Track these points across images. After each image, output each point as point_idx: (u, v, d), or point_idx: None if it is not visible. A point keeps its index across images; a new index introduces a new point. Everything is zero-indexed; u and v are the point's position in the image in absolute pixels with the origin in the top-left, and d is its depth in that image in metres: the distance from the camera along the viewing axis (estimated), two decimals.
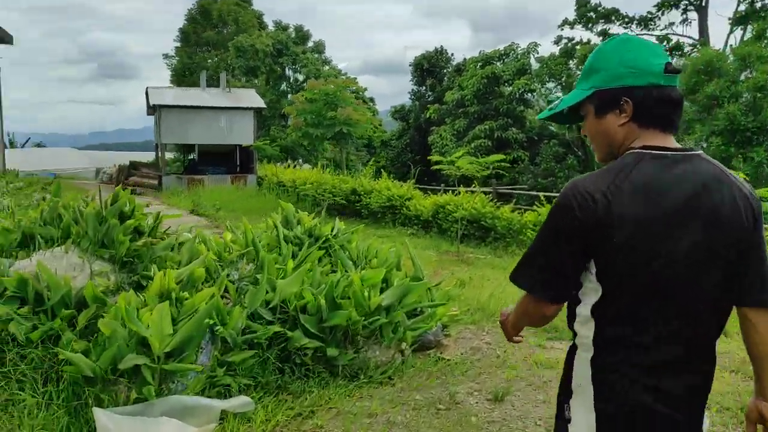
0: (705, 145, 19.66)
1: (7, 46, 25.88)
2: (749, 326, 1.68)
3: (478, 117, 30.13)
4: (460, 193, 13.84)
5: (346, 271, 5.36)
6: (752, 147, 18.92)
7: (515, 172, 26.92)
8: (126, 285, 4.55)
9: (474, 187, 13.98)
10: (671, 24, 31.71)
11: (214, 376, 4.09)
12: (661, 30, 30.53)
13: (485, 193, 14.98)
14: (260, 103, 27.99)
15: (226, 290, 4.68)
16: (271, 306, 4.65)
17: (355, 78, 30.00)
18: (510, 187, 23.15)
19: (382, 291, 5.09)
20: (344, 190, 17.72)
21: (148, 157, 34.86)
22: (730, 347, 5.74)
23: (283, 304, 4.65)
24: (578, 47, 28.90)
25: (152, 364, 3.82)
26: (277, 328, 4.52)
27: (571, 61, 28.53)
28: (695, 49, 26.26)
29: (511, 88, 30.17)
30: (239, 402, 3.84)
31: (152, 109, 27.96)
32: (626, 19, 30.47)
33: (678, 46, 29.04)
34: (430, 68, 36.47)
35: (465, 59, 34.57)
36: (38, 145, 60.38)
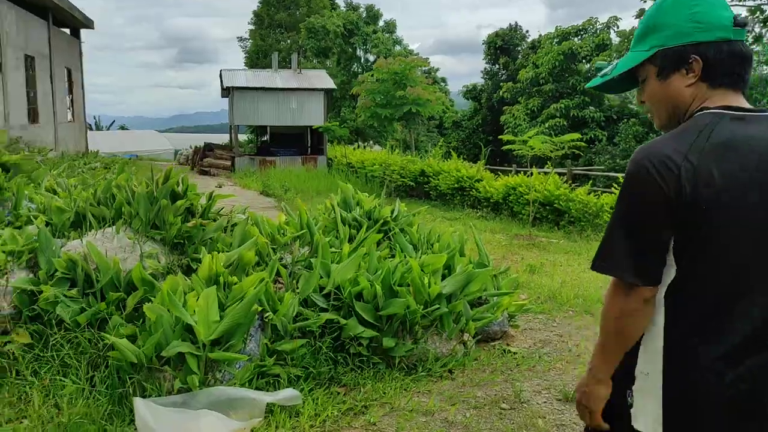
0: None
1: (88, 31, 26.82)
2: None
3: (553, 95, 29.05)
4: (532, 174, 13.25)
5: (405, 256, 5.05)
6: None
7: (591, 153, 25.80)
8: (176, 267, 4.40)
9: (547, 168, 13.35)
10: None
11: (263, 366, 3.89)
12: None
13: (559, 174, 14.32)
14: (330, 84, 27.91)
15: (278, 275, 4.47)
16: (324, 292, 4.41)
17: (427, 58, 29.42)
18: (586, 168, 22.18)
19: (443, 278, 4.77)
20: (412, 171, 17.39)
21: (224, 138, 35.56)
22: None
23: (338, 291, 4.39)
24: None
25: (197, 352, 3.64)
26: (330, 315, 4.27)
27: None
28: None
29: (589, 65, 28.89)
30: (287, 395, 3.61)
31: (226, 92, 28.37)
32: None
33: None
34: (503, 46, 35.42)
35: (540, 36, 33.34)
36: (122, 128, 62.87)
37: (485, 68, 36.72)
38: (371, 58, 39.40)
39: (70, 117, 25.14)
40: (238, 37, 49.17)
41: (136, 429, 3.24)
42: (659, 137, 1.53)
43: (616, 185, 12.33)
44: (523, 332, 5.46)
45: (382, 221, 5.50)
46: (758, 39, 17.55)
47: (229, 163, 26.48)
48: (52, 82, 22.01)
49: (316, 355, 4.14)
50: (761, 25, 17.18)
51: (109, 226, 4.54)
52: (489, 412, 3.84)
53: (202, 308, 3.69)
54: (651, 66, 1.62)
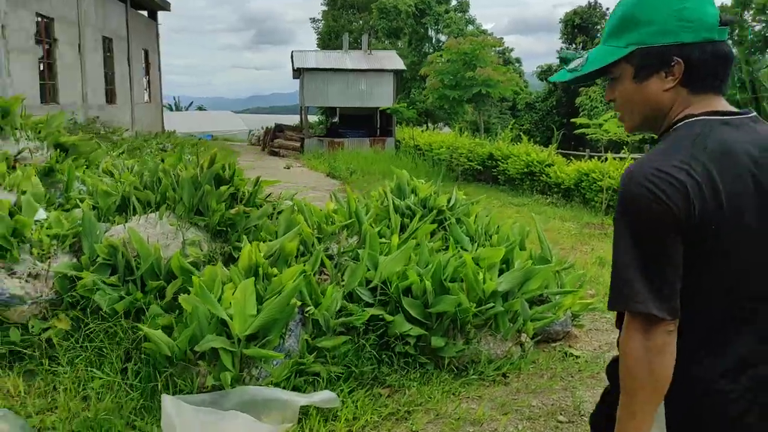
0: None
1: (165, 13, 27.41)
2: None
3: None
4: (607, 159, 12.56)
5: (459, 249, 4.73)
6: None
7: None
8: (218, 256, 4.24)
9: (624, 153, 12.62)
10: None
11: (302, 363, 3.68)
12: None
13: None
14: (400, 65, 27.51)
15: (323, 266, 4.24)
16: (371, 286, 4.15)
17: (501, 38, 28.51)
18: None
19: (500, 274, 4.42)
20: (480, 154, 16.87)
21: (296, 120, 35.82)
22: None
23: (385, 285, 4.13)
24: None
25: (232, 347, 3.46)
26: (376, 311, 4.02)
27: (746, 12, 25.24)
28: None
29: None
30: (323, 397, 3.39)
31: (297, 73, 28.44)
32: None
33: None
34: (581, 24, 34.04)
35: None
36: (200, 109, 64.49)
37: (561, 48, 35.44)
38: (443, 38, 38.64)
39: (146, 98, 25.83)
40: (310, 18, 49.21)
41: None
42: (651, 154, 1.38)
43: None
44: (587, 333, 5.05)
45: (437, 210, 5.18)
46: None
47: (298, 144, 26.61)
48: (129, 64, 22.62)
49: (359, 354, 3.90)
50: None
51: (153, 211, 4.42)
52: (544, 425, 3.50)
53: (238, 301, 3.50)
54: (627, 65, 1.48)
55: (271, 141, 27.22)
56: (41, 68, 15.99)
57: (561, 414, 3.63)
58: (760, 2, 19.49)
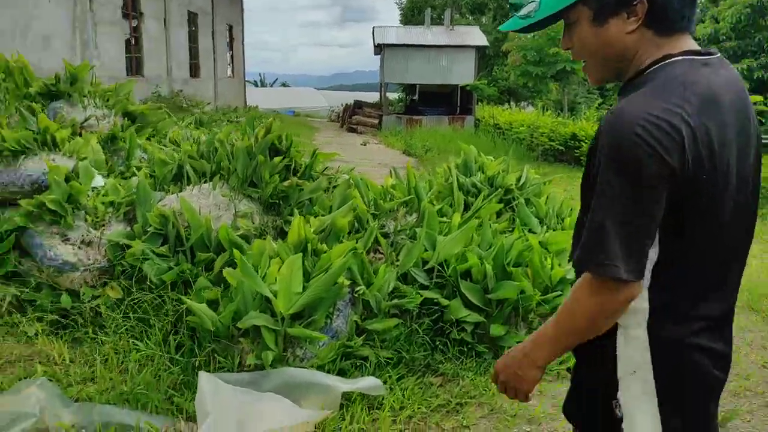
0: None
1: None
2: None
3: (735, 54, 25.81)
4: None
5: (528, 231, 4.38)
6: None
7: None
8: (269, 229, 4.08)
9: None
10: None
11: (350, 346, 3.47)
12: None
13: None
14: (483, 40, 26.75)
15: (378, 244, 4.01)
16: (427, 267, 3.89)
17: None
18: None
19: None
20: (562, 134, 16.16)
21: (377, 97, 35.70)
22: None
23: (442, 267, 3.85)
24: None
25: (275, 326, 3.29)
26: (431, 294, 3.76)
27: None
28: None
29: None
30: (367, 384, 3.17)
31: (378, 49, 28.20)
32: None
33: None
34: None
35: None
36: (284, 85, 65.49)
37: None
38: None
39: (229, 72, 26.27)
40: None
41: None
42: (639, 94, 1.28)
43: None
44: None
45: (504, 189, 4.83)
46: None
47: (376, 121, 26.45)
48: (213, 39, 23.00)
49: (410, 339, 3.66)
50: None
51: (208, 181, 4.30)
52: None
53: (284, 277, 3.32)
54: (584, 8, 1.37)
55: (350, 117, 27.19)
56: (128, 42, 16.43)
57: None
58: None
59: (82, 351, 3.46)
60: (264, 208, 4.15)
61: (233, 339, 3.43)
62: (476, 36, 27.19)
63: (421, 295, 3.70)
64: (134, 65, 16.85)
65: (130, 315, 3.58)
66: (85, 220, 4.03)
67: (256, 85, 54.94)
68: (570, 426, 1.67)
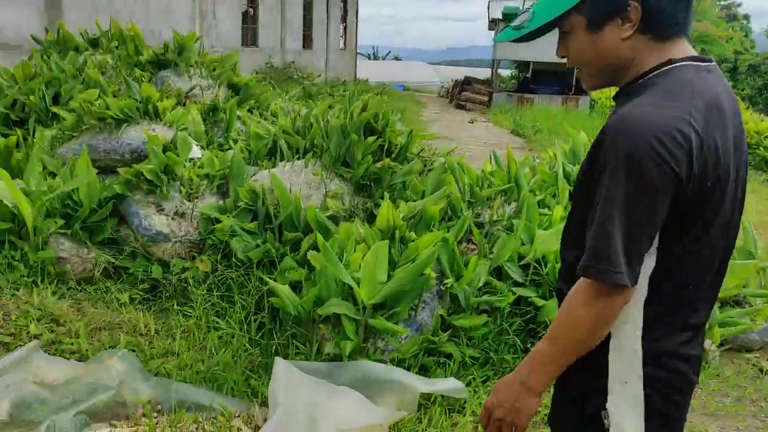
0: None
1: None
2: None
3: None
4: None
5: None
6: None
7: None
8: (359, 212, 3.93)
9: None
10: None
11: (434, 342, 3.27)
12: None
13: None
14: None
15: (471, 234, 3.76)
16: (523, 262, 3.61)
17: None
18: None
19: None
20: None
21: (489, 74, 34.89)
22: None
23: (539, 264, 3.56)
24: None
25: (356, 315, 3.15)
26: (526, 292, 3.49)
27: None
28: None
29: None
30: (447, 386, 2.96)
31: (492, 24, 27.43)
32: None
33: None
34: None
35: None
36: (396, 59, 65.45)
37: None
38: None
39: (341, 44, 26.42)
40: None
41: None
42: (647, 99, 1.26)
43: None
44: None
45: None
46: None
47: (486, 98, 25.81)
48: (327, 10, 23.14)
49: (500, 338, 3.41)
50: None
51: (301, 158, 4.20)
52: None
53: (369, 265, 3.16)
54: (578, 16, 1.35)
55: (459, 94, 26.67)
56: (245, 14, 16.79)
57: None
58: None
59: (167, 323, 3.47)
60: (355, 189, 4.00)
61: (314, 324, 3.33)
62: None
63: (515, 293, 3.44)
64: (249, 36, 17.22)
65: (214, 291, 3.55)
66: (180, 192, 4.04)
67: (369, 58, 55.13)
68: None
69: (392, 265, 3.29)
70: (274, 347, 3.22)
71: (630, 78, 1.37)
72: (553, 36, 1.60)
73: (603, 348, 1.36)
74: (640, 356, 1.34)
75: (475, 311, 3.43)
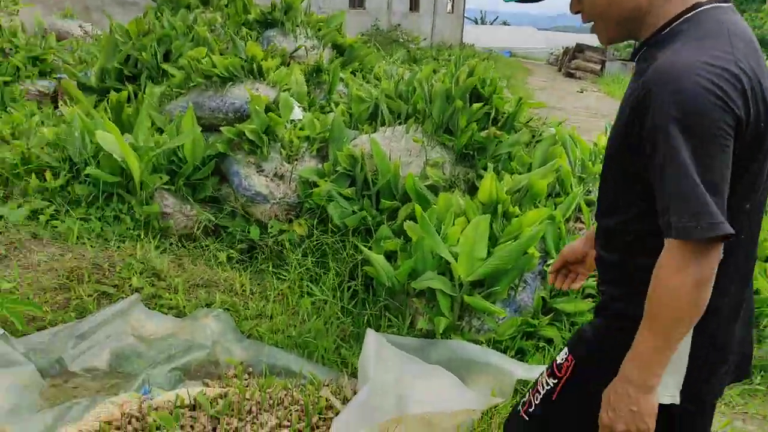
0: None
1: None
2: None
3: None
4: None
5: None
6: None
7: None
8: (460, 182, 3.75)
9: None
10: None
11: (533, 325, 3.09)
12: None
13: None
14: None
15: (580, 213, 3.51)
16: None
17: None
18: None
19: None
20: None
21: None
22: None
23: None
24: None
25: (452, 291, 3.01)
26: None
27: None
28: None
29: None
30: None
31: None
32: None
33: None
34: None
35: None
36: (504, 24, 63.57)
37: None
38: None
39: (449, 8, 25.85)
40: None
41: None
42: (683, 45, 1.19)
43: None
44: None
45: None
46: None
47: (598, 67, 24.58)
48: None
49: None
50: None
51: (402, 123, 4.06)
52: None
53: (468, 240, 3.00)
54: None
55: (569, 62, 25.54)
56: None
57: None
58: None
59: (262, 285, 3.47)
60: (457, 159, 3.82)
61: (407, 297, 3.22)
62: None
63: None
64: None
65: (309, 256, 3.51)
66: (280, 153, 4.01)
67: (475, 23, 53.80)
68: None
69: (493, 241, 3.12)
70: (366, 318, 3.14)
71: (653, 28, 1.30)
72: None
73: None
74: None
75: (580, 295, 3.21)
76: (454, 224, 3.18)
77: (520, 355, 3.03)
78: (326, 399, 2.59)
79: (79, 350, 2.75)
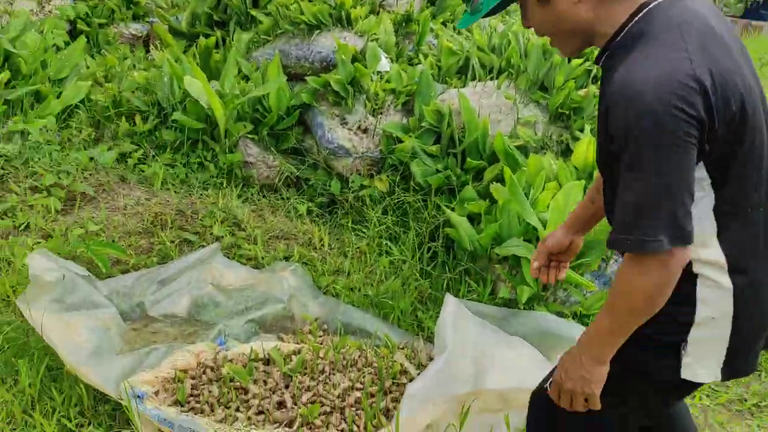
0: None
1: None
2: None
3: None
4: None
5: None
6: None
7: None
8: (553, 144, 3.53)
9: None
10: None
11: None
12: None
13: None
14: None
15: None
16: None
17: None
18: None
19: None
20: None
21: None
22: None
23: None
24: None
25: None
26: None
27: None
28: None
29: None
30: None
31: None
32: None
33: None
34: None
35: None
36: None
37: None
38: None
39: None
40: None
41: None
42: (637, 54, 1.21)
43: None
44: None
45: None
46: None
47: None
48: None
49: None
50: None
51: (494, 78, 3.84)
52: None
53: (558, 206, 2.82)
54: None
55: None
56: None
57: None
58: None
59: (340, 239, 3.41)
60: (551, 118, 3.59)
61: (490, 263, 3.08)
62: None
63: None
64: None
65: (389, 214, 3.41)
66: (365, 106, 3.90)
67: None
68: None
69: None
70: (445, 281, 3.04)
71: (607, 35, 1.31)
72: None
73: (691, 281, 1.31)
74: (731, 292, 1.30)
75: None
76: (544, 189, 3.00)
77: None
78: (401, 364, 2.52)
79: (159, 296, 2.78)
